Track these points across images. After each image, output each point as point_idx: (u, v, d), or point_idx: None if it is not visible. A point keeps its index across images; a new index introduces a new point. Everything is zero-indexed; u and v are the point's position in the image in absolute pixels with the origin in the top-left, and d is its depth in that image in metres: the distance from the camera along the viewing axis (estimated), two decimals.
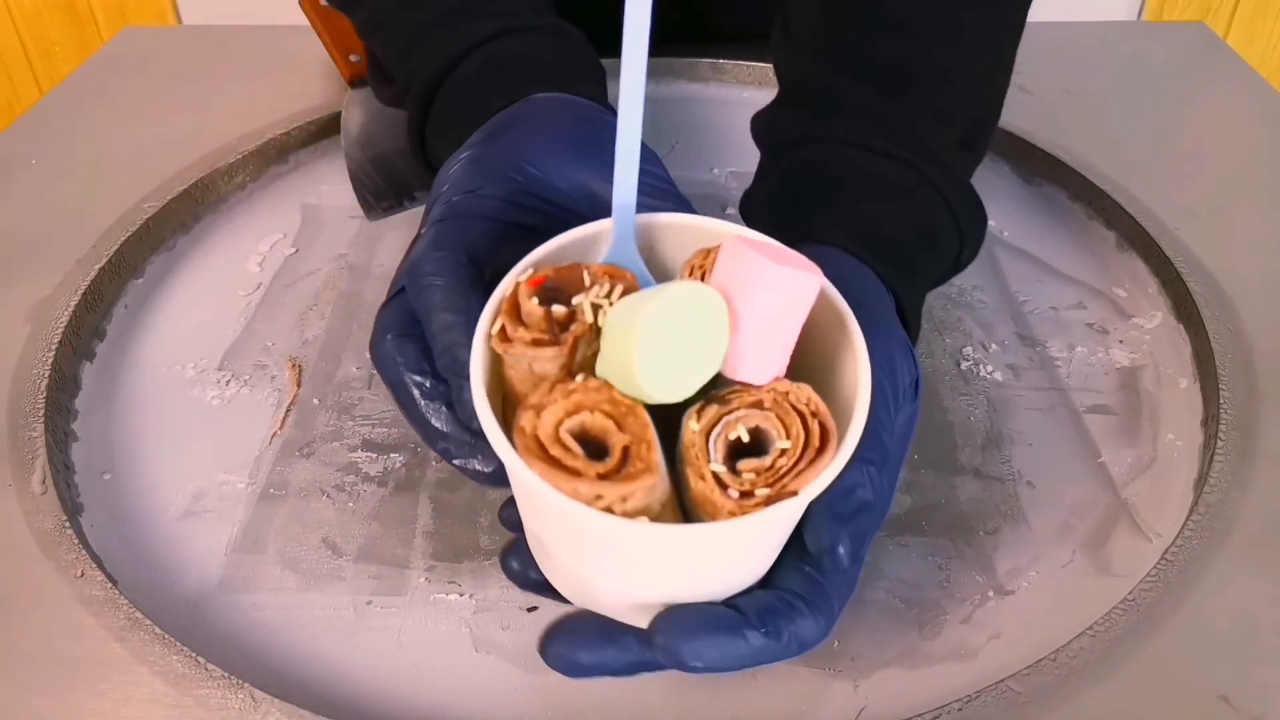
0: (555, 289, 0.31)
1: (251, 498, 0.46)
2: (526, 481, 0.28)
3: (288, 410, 0.51)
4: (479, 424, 0.30)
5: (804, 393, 0.30)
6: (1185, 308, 0.53)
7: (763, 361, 0.30)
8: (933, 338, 0.54)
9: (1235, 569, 0.40)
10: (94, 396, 0.51)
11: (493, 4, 0.49)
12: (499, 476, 0.35)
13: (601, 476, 0.28)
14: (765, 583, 0.33)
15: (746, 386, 0.30)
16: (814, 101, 0.48)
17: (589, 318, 0.30)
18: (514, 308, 0.31)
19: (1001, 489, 0.46)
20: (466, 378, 0.31)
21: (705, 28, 0.78)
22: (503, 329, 0.30)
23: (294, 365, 0.53)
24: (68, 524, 0.42)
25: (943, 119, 0.46)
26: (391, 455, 0.48)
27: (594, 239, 0.34)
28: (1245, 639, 0.38)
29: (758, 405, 0.30)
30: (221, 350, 0.54)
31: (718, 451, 0.30)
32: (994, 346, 0.54)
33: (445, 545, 0.44)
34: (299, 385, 0.52)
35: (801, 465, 0.29)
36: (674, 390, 0.29)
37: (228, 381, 0.52)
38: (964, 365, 0.52)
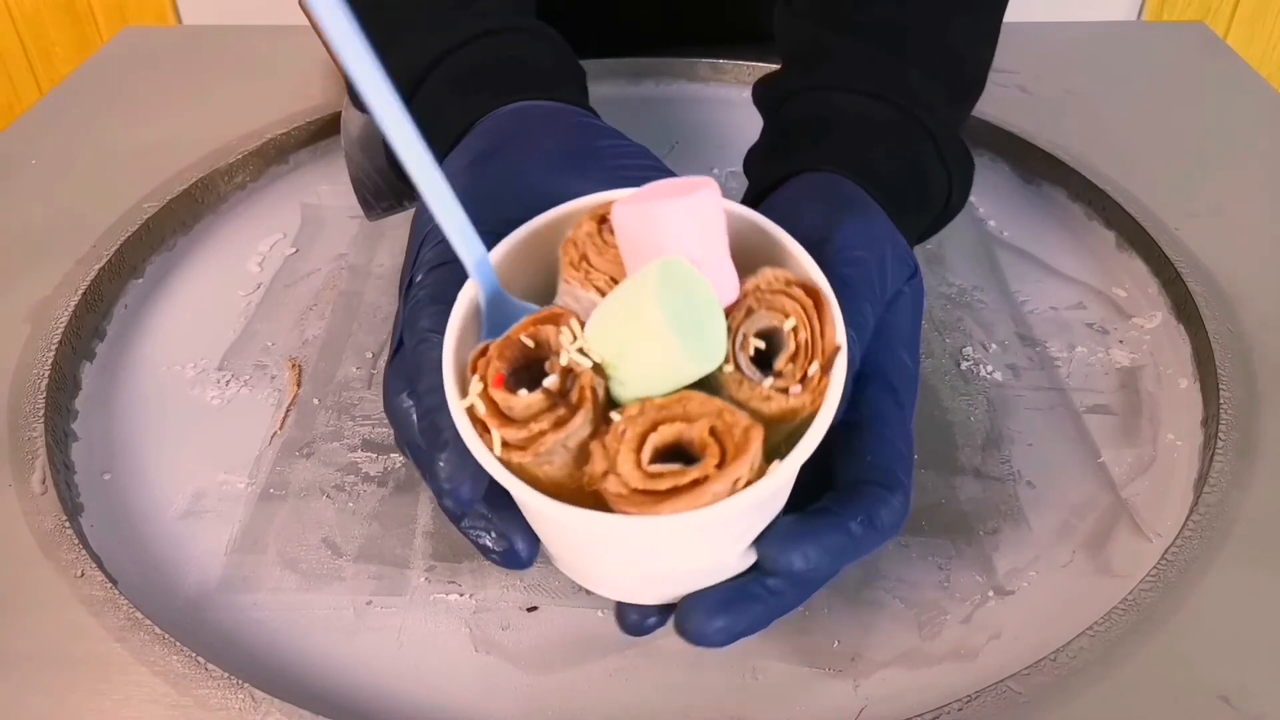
0: (514, 371, 0.29)
1: (251, 498, 0.46)
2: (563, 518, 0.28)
3: (288, 410, 0.51)
4: (465, 492, 0.31)
5: (768, 275, 0.30)
6: (1185, 308, 0.53)
7: (720, 287, 0.29)
8: (933, 338, 0.54)
9: (1235, 569, 0.40)
10: (94, 396, 0.51)
11: (469, 4, 0.48)
12: (511, 557, 0.34)
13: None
14: (826, 489, 0.33)
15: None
16: (808, 58, 0.49)
17: (587, 362, 0.28)
18: (499, 414, 0.28)
19: (1001, 489, 0.46)
20: (442, 449, 0.31)
21: (705, 28, 0.78)
22: (506, 443, 0.28)
23: (294, 365, 0.53)
24: (68, 524, 0.42)
25: (933, 73, 0.47)
26: (391, 455, 0.48)
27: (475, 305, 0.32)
28: (1245, 639, 0.38)
29: (748, 312, 0.29)
30: (221, 350, 0.54)
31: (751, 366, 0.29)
32: (994, 346, 0.54)
33: (445, 545, 0.44)
34: (299, 385, 0.52)
35: (818, 329, 0.29)
36: (716, 350, 0.28)
37: (228, 381, 0.52)
38: (964, 365, 0.52)
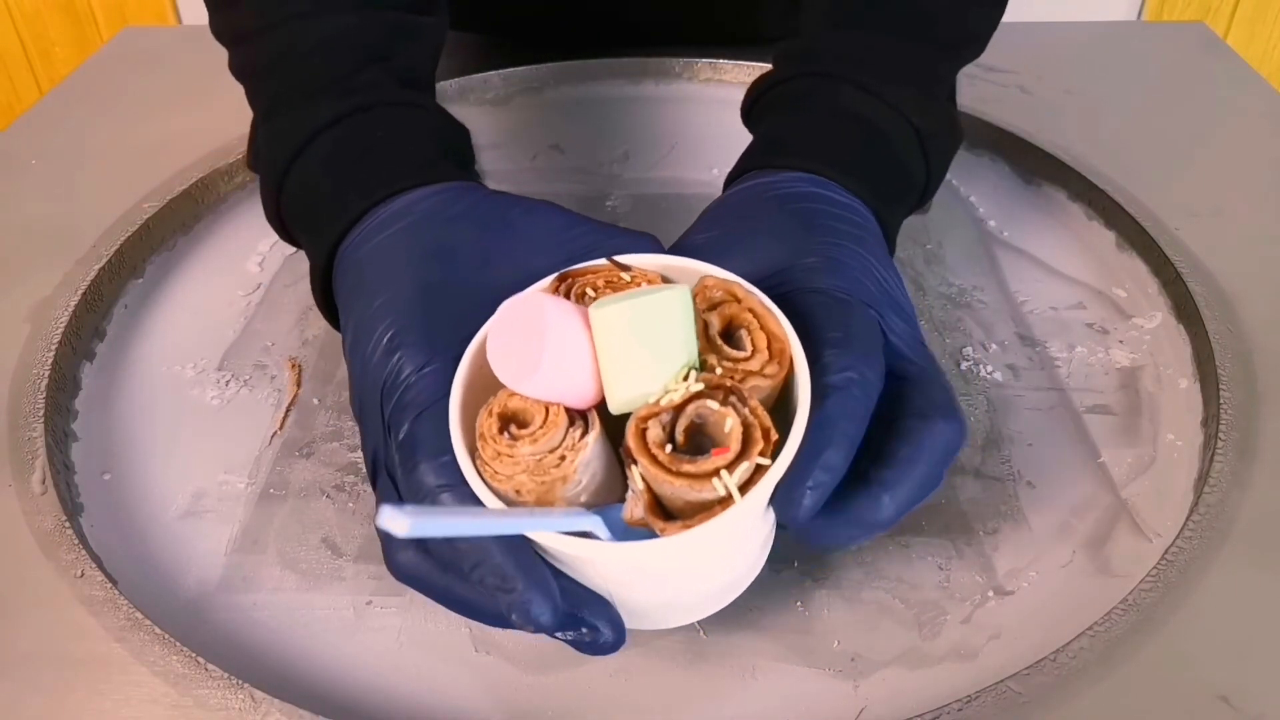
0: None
1: (251, 498, 0.46)
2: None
3: (288, 410, 0.51)
4: (540, 625, 0.32)
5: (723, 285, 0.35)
6: (1185, 308, 0.53)
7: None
8: (933, 338, 0.54)
9: (1235, 569, 0.40)
10: (94, 396, 0.51)
11: (353, 76, 0.46)
12: (599, 645, 0.35)
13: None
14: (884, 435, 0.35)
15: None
16: (791, 51, 0.50)
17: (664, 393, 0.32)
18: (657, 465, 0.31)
19: (1001, 489, 0.46)
20: (511, 590, 0.32)
21: (705, 28, 0.78)
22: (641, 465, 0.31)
23: (294, 365, 0.53)
24: (68, 524, 0.42)
25: (922, 26, 0.49)
26: None
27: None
28: (1245, 639, 0.38)
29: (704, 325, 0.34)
30: (221, 350, 0.54)
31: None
32: (994, 346, 0.54)
33: None
34: (299, 385, 0.52)
35: (750, 311, 0.34)
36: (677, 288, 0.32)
37: (228, 381, 0.52)
38: (964, 365, 0.52)
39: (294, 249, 0.61)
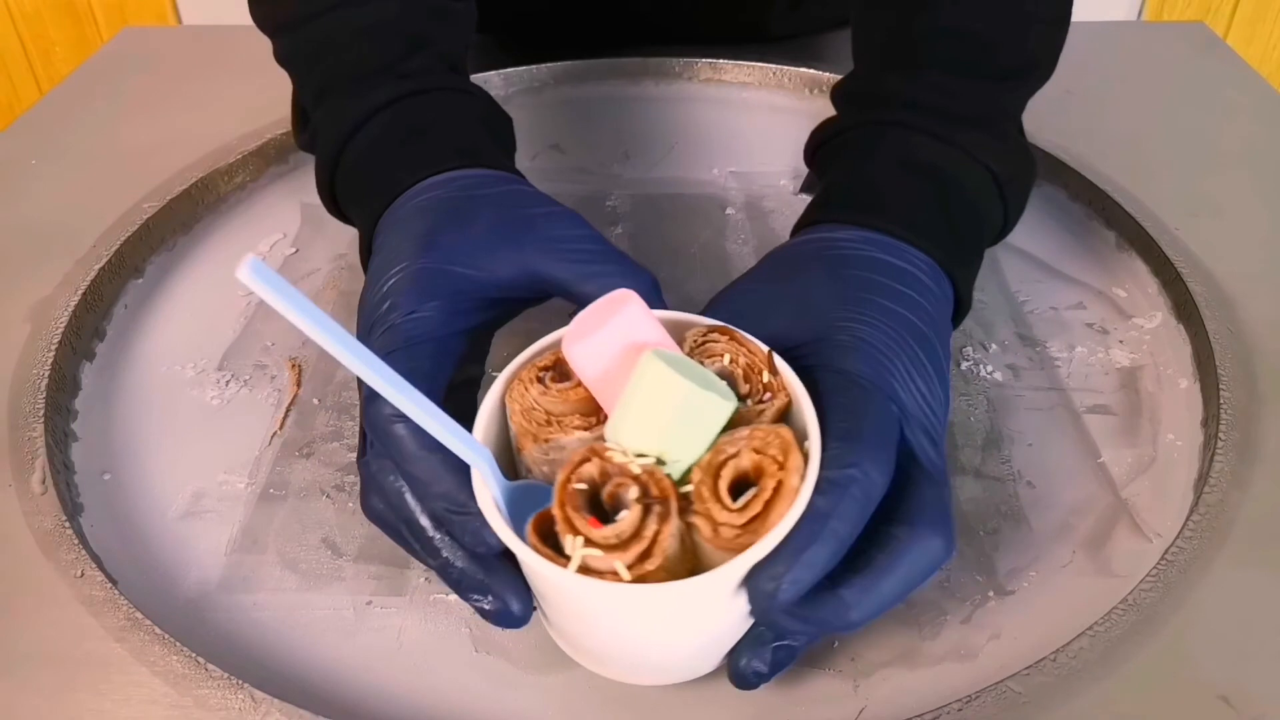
0: (592, 498, 0.32)
1: (251, 498, 0.46)
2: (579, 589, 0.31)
3: (288, 410, 0.51)
4: (490, 546, 0.34)
5: (688, 335, 0.35)
6: (1185, 308, 0.53)
7: None
8: None
9: (1235, 569, 0.40)
10: (94, 396, 0.51)
11: (404, 61, 0.48)
12: (505, 616, 0.36)
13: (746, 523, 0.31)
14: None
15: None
16: (854, 94, 0.50)
17: (649, 461, 0.32)
18: (609, 548, 0.31)
19: (1001, 489, 0.46)
20: (464, 513, 0.34)
21: (706, 27, 0.78)
22: (632, 567, 0.30)
23: (294, 365, 0.53)
24: (68, 524, 0.42)
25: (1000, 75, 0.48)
26: None
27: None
28: (1245, 639, 0.38)
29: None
30: (221, 350, 0.54)
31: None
32: (994, 346, 0.54)
33: None
34: (299, 385, 0.52)
35: (747, 350, 0.34)
36: (728, 390, 0.33)
37: (228, 381, 0.52)
38: (964, 365, 0.52)
39: (293, 249, 0.61)
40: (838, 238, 0.42)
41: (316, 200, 0.50)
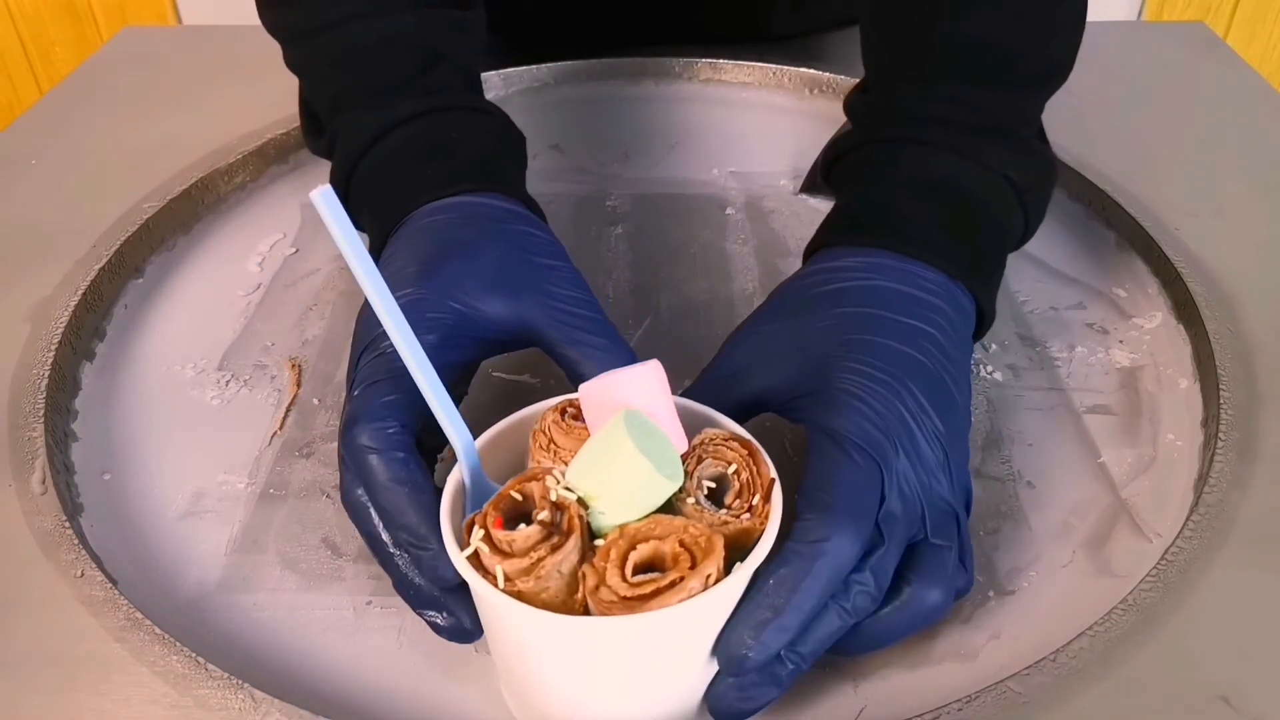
0: (507, 520, 0.33)
1: (251, 498, 0.46)
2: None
3: (288, 410, 0.51)
4: (445, 581, 0.35)
5: (709, 433, 0.36)
6: (1185, 308, 0.53)
7: (671, 437, 0.34)
8: None
9: (1235, 569, 0.40)
10: (94, 396, 0.51)
11: (423, 75, 0.49)
12: (458, 631, 0.37)
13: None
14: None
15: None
16: (870, 109, 0.49)
17: (572, 496, 0.33)
18: (500, 552, 0.32)
19: (1001, 489, 0.46)
20: (424, 548, 0.35)
21: (705, 27, 0.78)
22: (509, 576, 0.32)
23: (294, 365, 0.53)
24: (68, 524, 0.42)
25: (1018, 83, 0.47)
26: None
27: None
28: (1245, 639, 0.38)
29: (698, 460, 0.35)
30: (221, 350, 0.54)
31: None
32: (994, 346, 0.54)
33: None
34: (299, 385, 0.52)
35: (755, 469, 0.35)
36: (678, 471, 0.33)
37: (228, 381, 0.52)
38: None
39: (293, 249, 0.61)
40: (841, 267, 0.42)
41: None
